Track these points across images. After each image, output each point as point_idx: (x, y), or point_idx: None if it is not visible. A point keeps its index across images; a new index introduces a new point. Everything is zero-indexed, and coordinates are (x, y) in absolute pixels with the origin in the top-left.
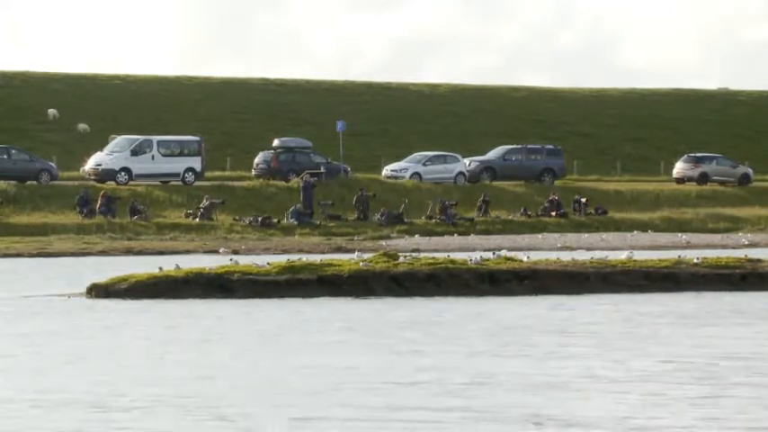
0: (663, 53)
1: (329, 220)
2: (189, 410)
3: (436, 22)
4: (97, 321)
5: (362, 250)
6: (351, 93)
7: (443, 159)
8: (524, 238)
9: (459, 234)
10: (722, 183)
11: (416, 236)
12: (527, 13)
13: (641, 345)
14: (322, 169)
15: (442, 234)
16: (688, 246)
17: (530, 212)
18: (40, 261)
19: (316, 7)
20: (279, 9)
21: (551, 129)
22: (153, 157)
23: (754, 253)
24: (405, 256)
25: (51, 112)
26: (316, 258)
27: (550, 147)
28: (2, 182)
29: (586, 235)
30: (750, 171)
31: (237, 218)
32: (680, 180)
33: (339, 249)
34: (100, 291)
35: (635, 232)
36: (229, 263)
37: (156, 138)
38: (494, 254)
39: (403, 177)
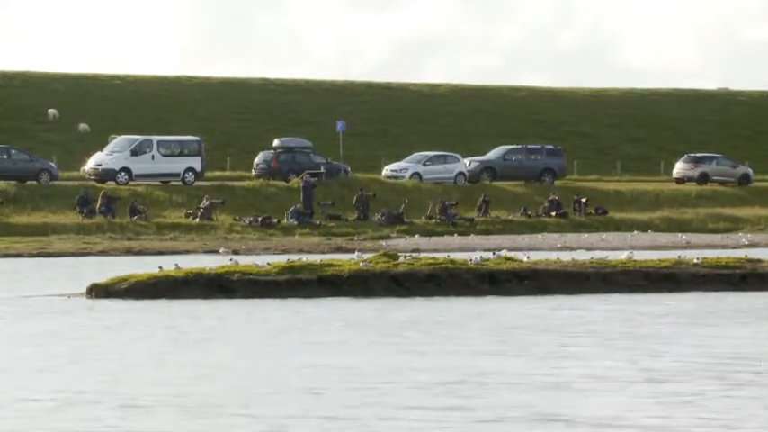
0: (663, 53)
1: (329, 220)
2: (193, 410)
3: (436, 22)
4: (98, 321)
5: (362, 250)
6: (351, 93)
7: (443, 159)
8: (524, 239)
9: (459, 234)
10: (722, 183)
11: (416, 236)
12: (527, 13)
13: (645, 344)
14: (322, 169)
15: (442, 234)
16: (688, 246)
17: (530, 212)
18: (40, 261)
19: (316, 7)
20: (279, 9)
21: (551, 129)
22: (153, 157)
23: (754, 253)
24: (405, 257)
25: (51, 112)
26: (316, 258)
27: (550, 147)
28: (2, 182)
29: (586, 235)
30: (750, 171)
31: (237, 218)
32: (680, 180)
33: (339, 249)
34: (100, 291)
35: (635, 232)
36: (229, 263)
37: (156, 138)
38: (494, 254)
39: (403, 177)
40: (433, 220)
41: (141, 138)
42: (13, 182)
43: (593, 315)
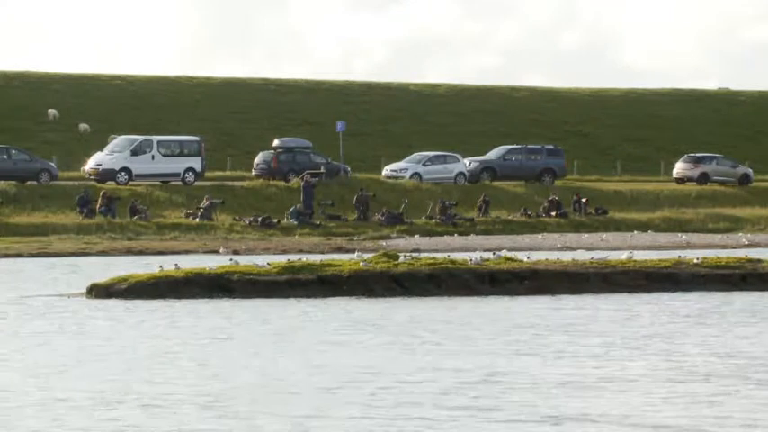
0: (663, 53)
1: (329, 220)
2: (215, 409)
3: (436, 22)
4: (99, 322)
5: (362, 250)
6: (351, 93)
7: (443, 159)
8: (524, 239)
9: (460, 234)
10: (722, 183)
11: (416, 236)
12: (527, 13)
13: (653, 344)
14: (322, 169)
15: (441, 234)
16: (688, 246)
17: (530, 212)
18: (40, 261)
19: (316, 7)
20: (279, 9)
21: (551, 129)
22: (153, 157)
23: (754, 253)
24: (405, 256)
25: (51, 112)
26: (316, 258)
27: (550, 147)
28: (2, 182)
29: (586, 235)
30: (750, 171)
31: (237, 218)
32: (680, 180)
33: (339, 249)
34: (100, 291)
35: (635, 232)
36: (229, 263)
37: (156, 138)
38: (494, 254)
39: (403, 177)
40: (433, 220)
41: (141, 138)
42: (13, 182)
43: (600, 314)
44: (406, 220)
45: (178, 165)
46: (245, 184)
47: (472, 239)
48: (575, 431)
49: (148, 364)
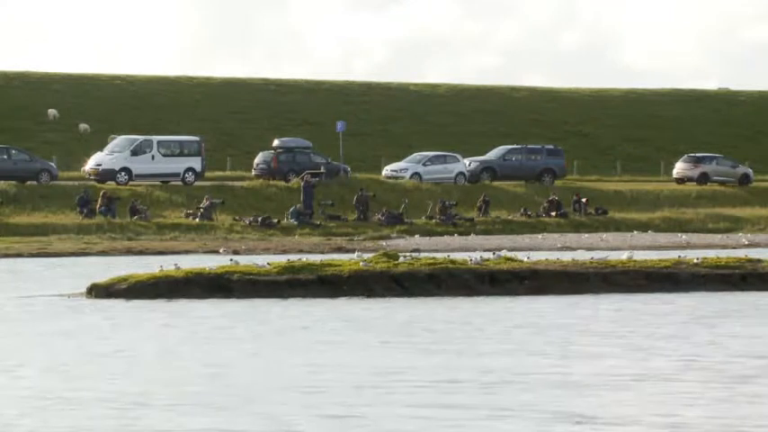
0: (663, 53)
1: (329, 220)
2: (217, 408)
3: (436, 22)
4: (99, 322)
5: (362, 250)
6: (351, 93)
7: (443, 159)
8: (524, 239)
9: (460, 234)
10: (722, 183)
11: (416, 236)
12: (527, 13)
13: (660, 344)
14: (322, 169)
15: (441, 234)
16: (688, 246)
17: (530, 212)
18: (40, 261)
19: (316, 7)
20: (279, 9)
21: (551, 129)
22: (153, 157)
23: (754, 253)
24: (405, 257)
25: (51, 112)
26: (316, 258)
27: (550, 147)
28: (2, 182)
29: (586, 235)
30: (750, 171)
31: (237, 218)
32: (680, 180)
33: (339, 249)
34: (100, 291)
35: (635, 232)
36: (229, 263)
37: (156, 138)
38: (494, 254)
39: (403, 177)
40: (433, 220)
41: (141, 138)
42: (13, 182)
43: (602, 315)
44: (406, 220)
45: (178, 165)
46: (245, 184)
47: (472, 239)
48: (586, 431)
49: (150, 364)
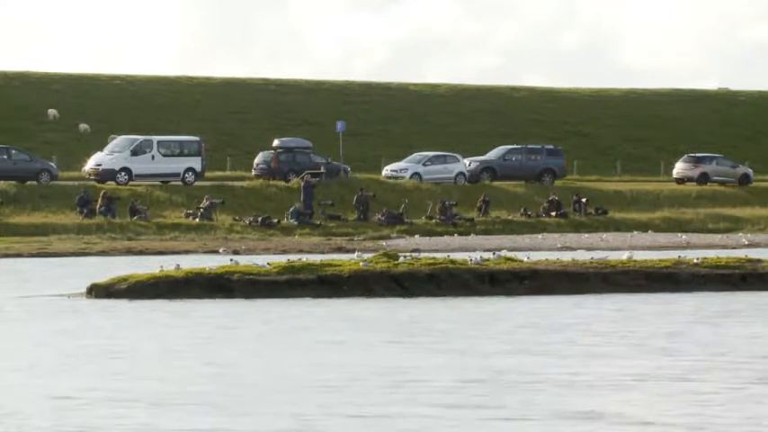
0: (663, 53)
1: (329, 221)
2: (227, 408)
3: (436, 22)
4: (99, 322)
5: (362, 250)
6: (351, 93)
7: (443, 159)
8: (524, 239)
9: (460, 234)
10: (722, 183)
11: (416, 236)
12: (527, 13)
13: (663, 343)
14: (322, 169)
15: (441, 234)
16: (688, 246)
17: (530, 212)
18: (40, 261)
19: (316, 7)
20: (279, 9)
21: (551, 129)
22: (153, 157)
23: (754, 253)
24: (405, 257)
25: (51, 112)
26: (316, 258)
27: (550, 147)
28: (2, 182)
29: (586, 235)
30: (750, 171)
31: (237, 218)
32: (680, 180)
33: (339, 249)
34: (100, 291)
35: (635, 232)
36: (229, 263)
37: (156, 138)
38: (494, 254)
39: (403, 177)
40: (433, 220)
41: (141, 138)
42: (13, 182)
43: (604, 314)
44: (406, 220)
45: (178, 165)
46: (245, 184)
47: (472, 239)
48: (592, 430)
49: (155, 364)
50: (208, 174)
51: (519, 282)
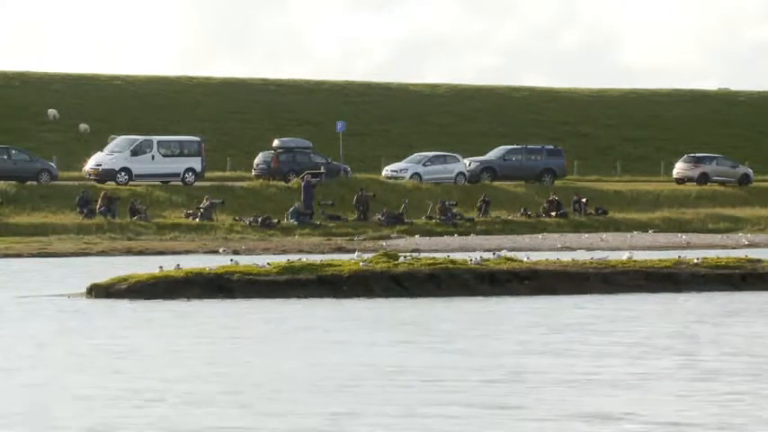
0: (663, 53)
1: (329, 220)
2: (233, 407)
3: (436, 22)
4: (99, 321)
5: (362, 250)
6: (351, 93)
7: (443, 159)
8: (524, 239)
9: (460, 234)
10: (722, 183)
11: (416, 236)
12: (527, 13)
13: (666, 343)
14: (322, 169)
15: (441, 234)
16: (688, 246)
17: (530, 213)
18: (40, 261)
19: (316, 7)
20: (279, 9)
21: (551, 129)
22: (153, 157)
23: (754, 253)
24: (405, 257)
25: (51, 112)
26: (316, 258)
27: (550, 147)
28: (2, 182)
29: (586, 235)
30: (750, 171)
31: (237, 218)
32: (680, 180)
33: (339, 249)
34: (100, 291)
35: (635, 232)
36: (229, 263)
37: (156, 138)
38: (494, 254)
39: (403, 177)
40: (433, 220)
41: (141, 138)
42: (13, 182)
43: (607, 314)
44: (406, 220)
45: (178, 165)
46: (245, 184)
47: (472, 239)
48: (602, 429)
49: (155, 364)
50: (208, 174)
51: (519, 282)
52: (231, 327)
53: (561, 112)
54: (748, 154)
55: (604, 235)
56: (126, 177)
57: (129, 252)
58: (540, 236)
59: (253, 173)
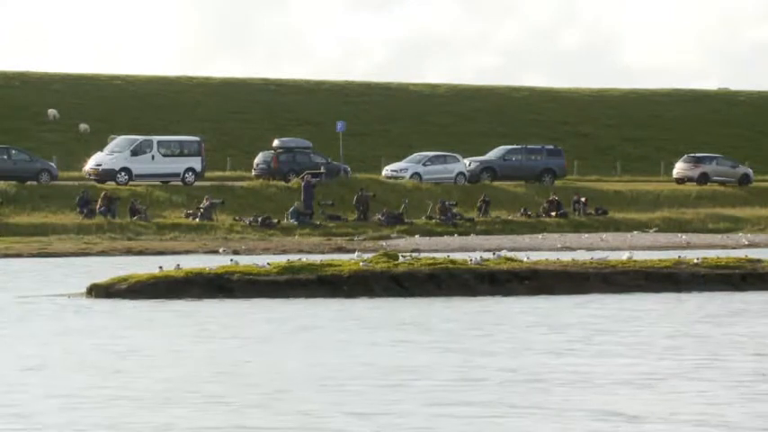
0: (663, 53)
1: (329, 220)
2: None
3: (436, 22)
4: (101, 321)
5: (362, 250)
6: (351, 93)
7: (443, 159)
8: (524, 239)
9: (460, 234)
10: (722, 183)
11: (416, 236)
12: (527, 13)
13: (668, 342)
14: (322, 169)
15: (441, 234)
16: (688, 246)
17: (530, 212)
18: (40, 261)
19: (316, 7)
20: (279, 9)
21: (551, 129)
22: (153, 157)
23: (754, 253)
24: (405, 257)
25: (51, 112)
26: (316, 258)
27: (550, 147)
28: (2, 182)
29: (586, 235)
30: (750, 171)
31: (237, 218)
32: (680, 180)
33: (339, 249)
34: (100, 291)
35: (635, 232)
36: (229, 263)
37: (156, 138)
38: (494, 254)
39: (403, 177)
40: (433, 220)
41: (141, 138)
42: (13, 182)
43: (609, 314)
44: (406, 220)
45: (178, 165)
46: (245, 184)
47: (472, 239)
48: (613, 429)
49: (154, 364)
50: (208, 174)
51: (519, 282)
52: (232, 326)
53: (561, 112)
54: (748, 154)
55: (604, 235)
56: (126, 177)
57: (129, 252)
58: (540, 236)
59: (253, 173)
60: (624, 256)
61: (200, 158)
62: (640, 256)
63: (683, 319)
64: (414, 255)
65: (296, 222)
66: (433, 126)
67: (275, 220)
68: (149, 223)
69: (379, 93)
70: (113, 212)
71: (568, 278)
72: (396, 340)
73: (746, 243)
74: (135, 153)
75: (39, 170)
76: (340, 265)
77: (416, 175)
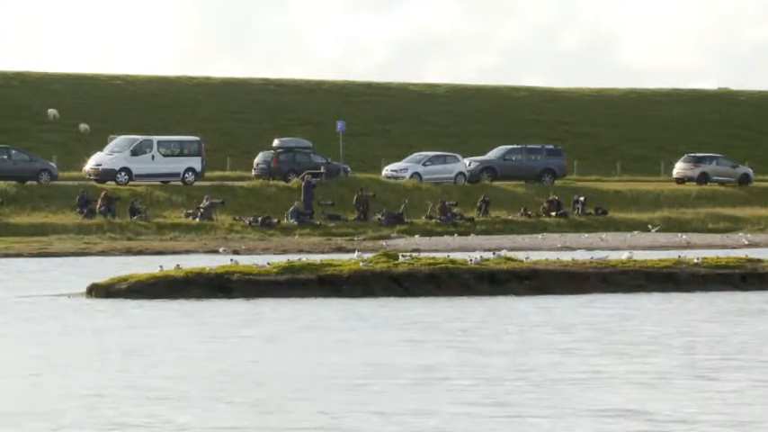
0: (663, 53)
1: (329, 220)
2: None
3: (437, 22)
4: (99, 321)
5: (362, 250)
6: (351, 93)
7: (443, 159)
8: (524, 239)
9: (459, 234)
10: (722, 183)
11: (416, 236)
12: (527, 13)
13: (670, 342)
14: (322, 169)
15: (442, 234)
16: (688, 246)
17: (530, 212)
18: (40, 261)
19: (316, 7)
20: (280, 9)
21: (551, 129)
22: (153, 157)
23: (754, 253)
24: (405, 257)
25: (51, 112)
26: (316, 258)
27: (550, 147)
28: (2, 182)
29: (586, 235)
30: (750, 171)
31: (237, 218)
32: (680, 180)
33: (339, 249)
34: (100, 291)
35: (635, 232)
36: (229, 263)
37: (156, 138)
38: (494, 254)
39: (403, 177)
40: (433, 220)
41: (141, 138)
42: (13, 182)
43: (610, 314)
44: (406, 220)
45: (178, 165)
46: (245, 184)
47: (472, 239)
48: (620, 428)
49: (156, 363)
50: (208, 174)
51: (519, 282)
52: (232, 326)
53: (561, 112)
54: (748, 154)
55: (604, 235)
56: (126, 177)
57: (128, 252)
58: (540, 236)
59: (253, 173)
60: (624, 255)
61: (200, 158)
62: (640, 255)
63: (681, 320)
64: (414, 255)
65: (296, 222)
66: (432, 126)
67: (275, 220)
68: (149, 223)
69: (379, 93)
70: (113, 212)
71: (568, 278)
72: (397, 339)
73: (746, 243)
74: (135, 153)
75: (39, 170)
76: (340, 265)
77: (416, 175)
